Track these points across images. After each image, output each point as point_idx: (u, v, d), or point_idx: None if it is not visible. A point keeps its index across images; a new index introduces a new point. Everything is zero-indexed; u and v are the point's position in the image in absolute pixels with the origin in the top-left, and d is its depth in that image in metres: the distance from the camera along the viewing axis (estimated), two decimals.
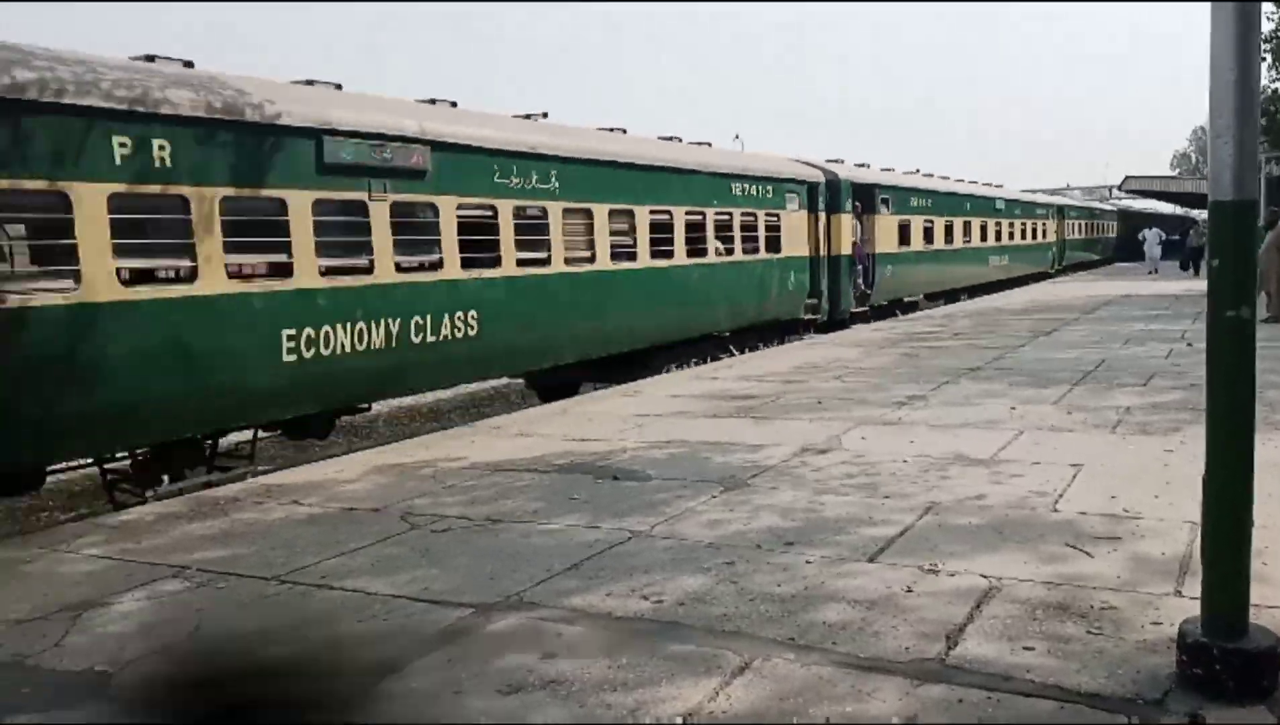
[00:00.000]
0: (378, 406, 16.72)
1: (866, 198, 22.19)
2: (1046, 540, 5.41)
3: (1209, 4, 3.45)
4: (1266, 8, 22.15)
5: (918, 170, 29.00)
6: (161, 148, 8.18)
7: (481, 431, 9.93)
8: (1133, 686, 3.64)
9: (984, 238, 31.47)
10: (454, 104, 12.07)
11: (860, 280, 21.93)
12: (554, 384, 14.11)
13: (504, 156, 11.85)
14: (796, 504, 6.35)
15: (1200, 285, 22.13)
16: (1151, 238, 41.22)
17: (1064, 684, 3.68)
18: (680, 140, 16.96)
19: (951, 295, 28.73)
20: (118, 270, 7.95)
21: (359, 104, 10.39)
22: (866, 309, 22.30)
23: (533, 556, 5.51)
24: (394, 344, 10.23)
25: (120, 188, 7.91)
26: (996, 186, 37.38)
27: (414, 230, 10.69)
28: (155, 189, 8.22)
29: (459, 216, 11.13)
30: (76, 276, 7.63)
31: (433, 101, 11.94)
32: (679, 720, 3.52)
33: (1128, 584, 4.69)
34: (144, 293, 8.20)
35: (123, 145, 7.87)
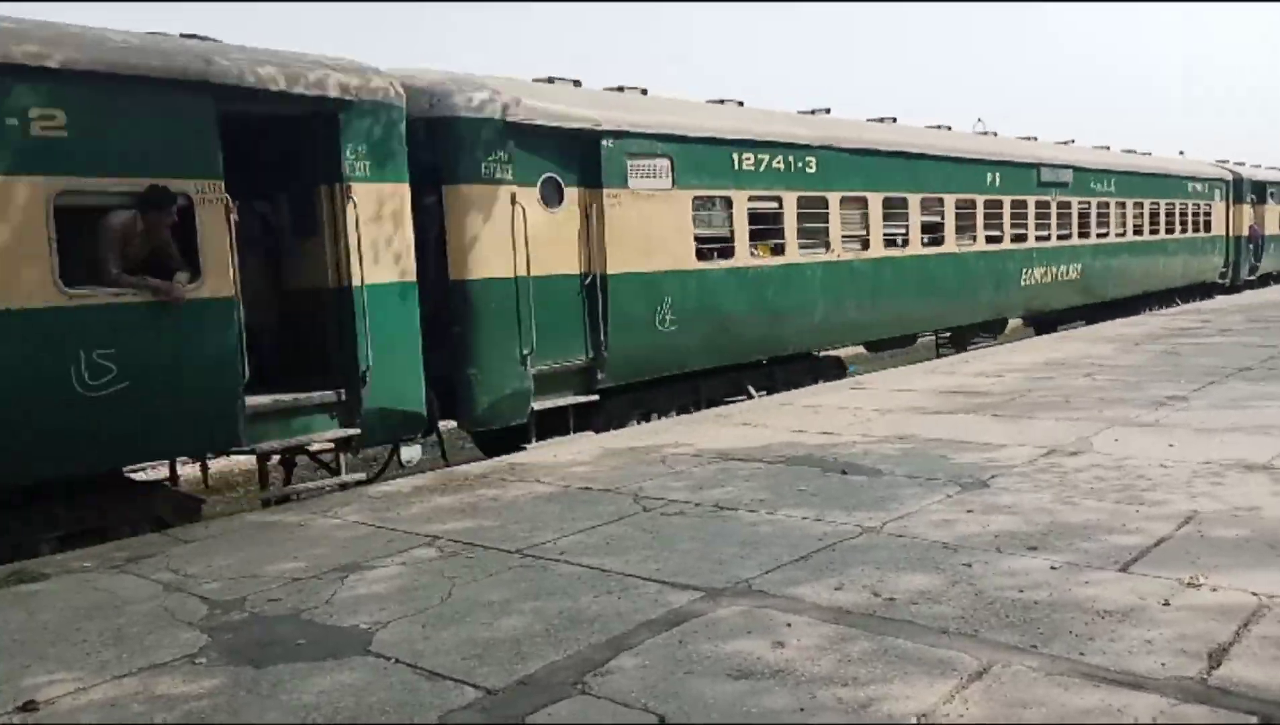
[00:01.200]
0: None
1: (1259, 191, 29.63)
2: None
3: None
4: None
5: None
6: (996, 175, 17.17)
7: (707, 420, 10.05)
8: None
9: None
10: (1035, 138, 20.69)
11: (1251, 256, 29.14)
12: (1047, 321, 20.56)
13: (1088, 171, 20.27)
14: (1039, 507, 6.04)
15: None
16: None
17: None
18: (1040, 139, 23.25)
19: None
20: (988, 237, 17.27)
21: (1047, 148, 19.95)
22: (1254, 278, 29.50)
23: (760, 545, 5.54)
24: (1048, 281, 18.82)
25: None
26: None
27: (1062, 218, 19.24)
28: (996, 198, 17.17)
29: (1077, 209, 19.77)
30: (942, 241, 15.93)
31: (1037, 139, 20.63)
32: (913, 720, 3.45)
33: None
34: (985, 248, 16.87)
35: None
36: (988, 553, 5.22)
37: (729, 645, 4.16)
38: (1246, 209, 28.36)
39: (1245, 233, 28.26)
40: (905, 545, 5.42)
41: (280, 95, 7.56)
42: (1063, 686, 3.64)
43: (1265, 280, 30.06)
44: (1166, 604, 4.39)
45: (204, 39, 7.62)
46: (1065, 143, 21.22)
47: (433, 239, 8.83)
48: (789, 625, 4.35)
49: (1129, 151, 24.13)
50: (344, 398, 8.06)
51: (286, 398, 7.79)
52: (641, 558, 5.40)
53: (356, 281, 8.01)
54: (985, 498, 6.32)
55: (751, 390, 12.24)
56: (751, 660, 4.00)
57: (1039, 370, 12.22)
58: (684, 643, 4.22)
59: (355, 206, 7.96)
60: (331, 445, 8.27)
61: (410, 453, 9.47)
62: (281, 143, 8.19)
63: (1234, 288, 27.73)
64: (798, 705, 3.60)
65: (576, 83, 11.21)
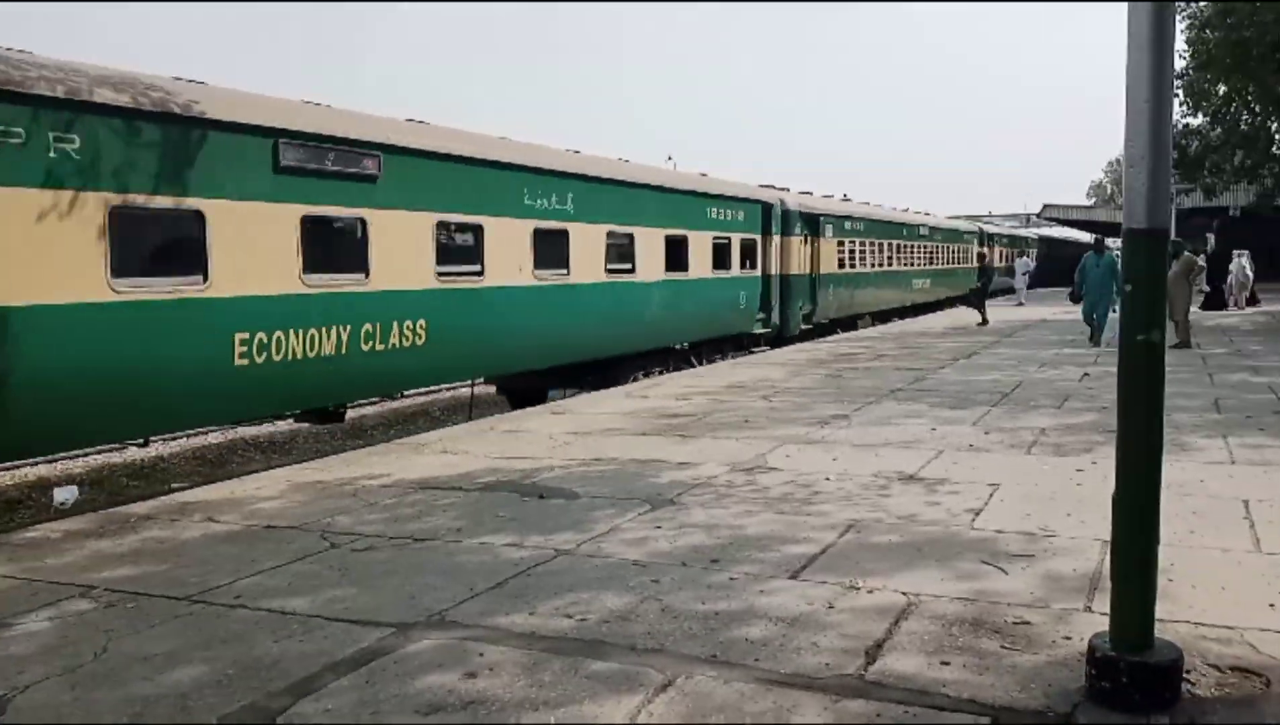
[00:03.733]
0: (296, 424, 16.48)
1: (991, 240, 47.27)
2: (964, 557, 5.52)
3: (1126, 40, 3.59)
4: (1178, 47, 23.48)
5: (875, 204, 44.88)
6: (918, 230, 36.29)
7: (405, 449, 9.80)
8: (1044, 699, 3.73)
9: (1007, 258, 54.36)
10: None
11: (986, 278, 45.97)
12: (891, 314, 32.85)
13: (934, 228, 38.87)
14: (722, 522, 6.38)
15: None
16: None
17: (978, 698, 3.75)
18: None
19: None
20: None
21: (923, 216, 38.81)
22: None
23: (456, 575, 5.44)
24: (919, 286, 35.63)
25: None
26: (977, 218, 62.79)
27: (925, 253, 36.71)
28: (917, 242, 36.35)
29: (929, 249, 37.08)
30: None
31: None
32: None
33: (1040, 600, 4.81)
34: (909, 268, 34.98)
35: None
36: (675, 568, 5.43)
37: (420, 680, 4.04)
38: (995, 250, 46.77)
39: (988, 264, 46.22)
40: (599, 566, 5.53)
41: (761, 202, 21.35)
42: (740, 692, 3.84)
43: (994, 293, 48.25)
44: (831, 607, 4.76)
45: (766, 184, 22.89)
46: (905, 208, 37.44)
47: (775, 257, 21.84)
48: (482, 655, 4.29)
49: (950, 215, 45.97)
50: (767, 317, 21.23)
51: (757, 315, 20.80)
52: (329, 597, 5.13)
53: (773, 272, 21.48)
54: (674, 515, 6.59)
55: (871, 320, 29.12)
56: (443, 694, 3.91)
57: (722, 393, 12.98)
58: (371, 682, 4.04)
59: (777, 246, 21.67)
60: (764, 333, 21.56)
61: (65, 494, 8.58)
62: (756, 218, 21.06)
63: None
64: None
65: (810, 192, 26.23)
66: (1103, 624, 3.89)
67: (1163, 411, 3.73)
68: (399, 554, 5.91)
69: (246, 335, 9.32)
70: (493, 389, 17.02)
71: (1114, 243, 52.09)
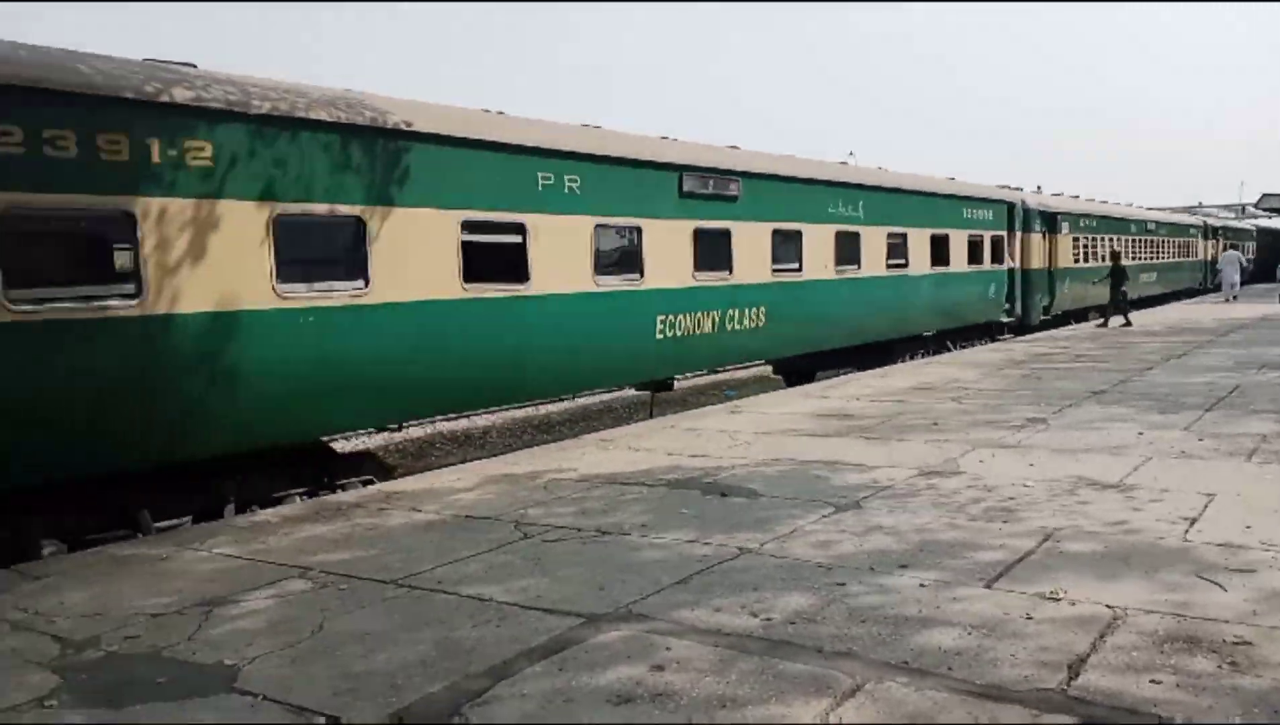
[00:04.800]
0: (489, 419, 17.08)
1: (1214, 232, 49.11)
2: (1175, 570, 5.18)
3: None
4: None
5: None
6: (1144, 224, 37.64)
7: (590, 445, 10.04)
8: None
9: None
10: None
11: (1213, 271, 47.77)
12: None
13: (1154, 223, 38.86)
14: (910, 526, 6.23)
15: None
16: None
17: (1194, 720, 3.52)
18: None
19: None
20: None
21: (1129, 209, 39.14)
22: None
23: (642, 569, 5.54)
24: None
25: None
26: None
27: (1150, 247, 38.07)
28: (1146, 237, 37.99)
29: (1143, 242, 37.11)
30: None
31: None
32: None
33: (1263, 618, 4.46)
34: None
35: None
36: (861, 572, 5.35)
37: (609, 671, 4.15)
38: (1211, 243, 47.29)
39: (1212, 257, 46.02)
40: (783, 566, 5.51)
41: (1005, 202, 23.59)
42: (933, 701, 3.74)
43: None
44: (1028, 617, 4.57)
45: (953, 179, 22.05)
46: (1129, 204, 39.74)
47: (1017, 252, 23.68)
48: (669, 649, 4.36)
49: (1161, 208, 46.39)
50: (1010, 306, 23.54)
51: (1004, 305, 23.29)
52: (522, 585, 5.34)
53: (1015, 266, 23.77)
54: (859, 518, 6.48)
55: (1097, 316, 26.50)
56: (631, 685, 3.99)
57: (908, 394, 12.64)
58: (564, 670, 4.18)
59: (1019, 242, 23.76)
60: (1009, 322, 23.89)
61: None
62: (1001, 216, 23.35)
63: (1204, 291, 44.45)
64: None
65: (1039, 188, 28.70)
66: None
67: None
68: (587, 546, 6.08)
69: (663, 317, 12.63)
70: (769, 369, 19.64)
71: None
